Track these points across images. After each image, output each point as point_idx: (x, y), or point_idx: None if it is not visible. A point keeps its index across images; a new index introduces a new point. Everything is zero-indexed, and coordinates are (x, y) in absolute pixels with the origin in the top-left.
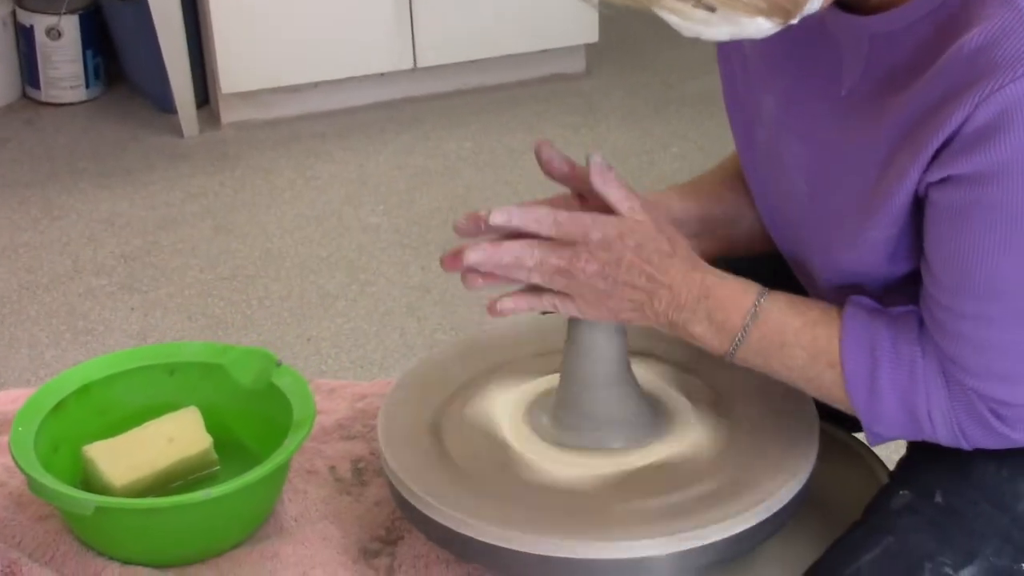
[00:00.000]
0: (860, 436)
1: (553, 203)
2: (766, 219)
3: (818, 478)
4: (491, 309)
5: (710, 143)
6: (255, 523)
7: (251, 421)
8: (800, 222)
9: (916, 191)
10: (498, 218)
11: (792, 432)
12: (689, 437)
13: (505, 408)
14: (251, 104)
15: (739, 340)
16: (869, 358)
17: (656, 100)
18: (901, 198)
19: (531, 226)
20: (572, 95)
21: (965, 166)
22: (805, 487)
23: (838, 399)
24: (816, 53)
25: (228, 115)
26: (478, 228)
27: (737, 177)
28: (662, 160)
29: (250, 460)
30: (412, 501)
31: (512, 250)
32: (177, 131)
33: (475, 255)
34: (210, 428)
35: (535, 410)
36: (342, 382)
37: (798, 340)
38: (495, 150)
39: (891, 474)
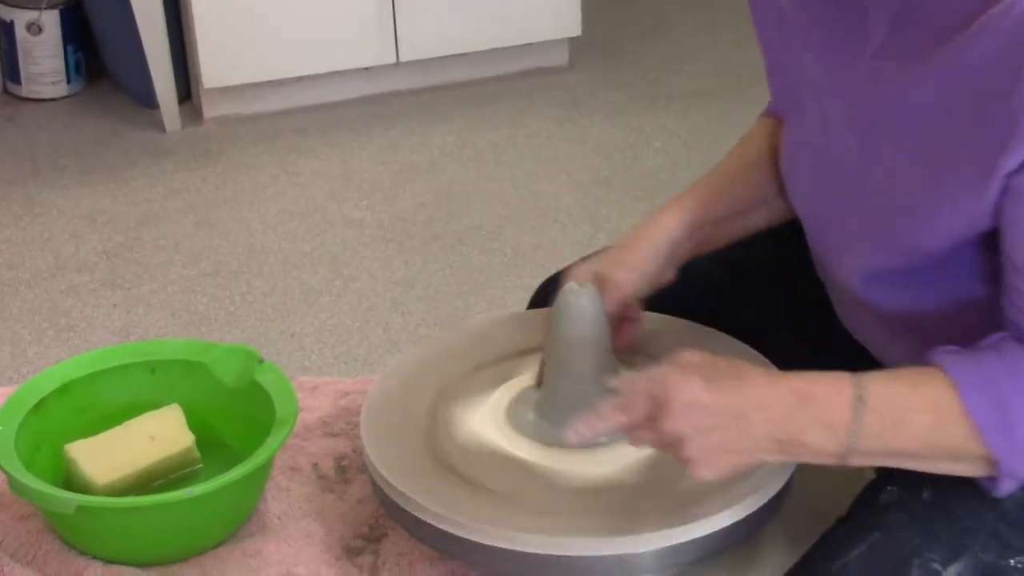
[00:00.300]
0: None
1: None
2: (801, 192)
3: (803, 473)
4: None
5: (695, 138)
6: (238, 521)
7: (233, 419)
8: (847, 187)
9: (990, 176)
10: (570, 441)
11: None
12: None
13: (489, 404)
14: (233, 99)
15: (855, 430)
16: (992, 393)
17: (640, 95)
18: (970, 181)
19: (600, 428)
20: (556, 89)
21: None
22: (789, 481)
23: (970, 453)
24: (845, 4)
25: (210, 110)
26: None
27: (745, 170)
28: (645, 155)
29: (233, 458)
30: (395, 498)
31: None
32: (159, 126)
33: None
34: (192, 426)
35: (520, 406)
36: (325, 379)
37: (913, 406)
38: (479, 145)
39: (878, 469)
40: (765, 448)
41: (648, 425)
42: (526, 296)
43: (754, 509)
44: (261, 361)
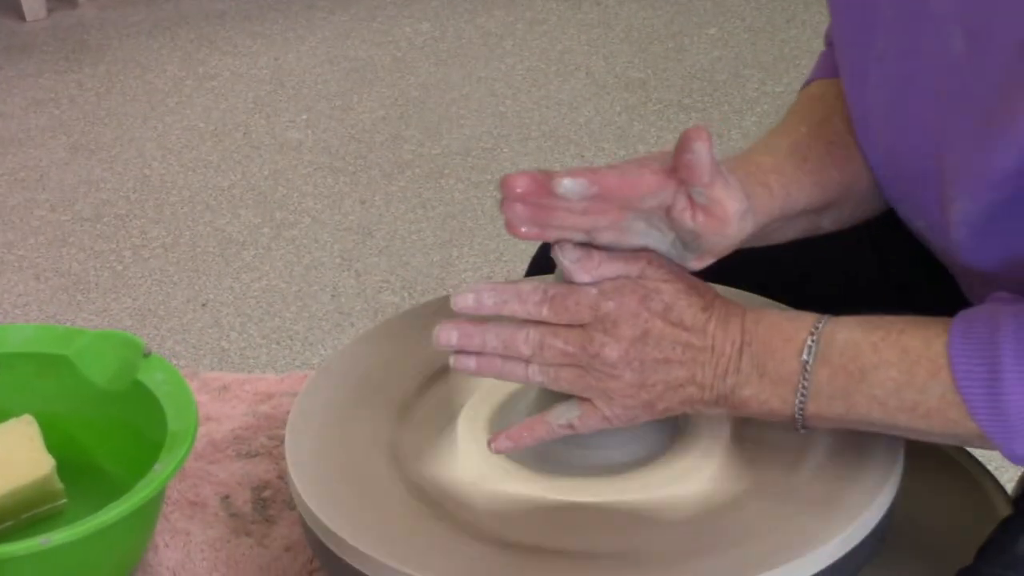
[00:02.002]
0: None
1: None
2: (874, 135)
3: (907, 507)
4: (491, 446)
5: (763, 20)
6: None
7: (109, 435)
8: (947, 102)
9: None
10: (463, 302)
11: (865, 439)
12: (717, 447)
13: (467, 413)
14: None
15: (804, 387)
16: (987, 344)
17: None
18: None
19: (512, 306)
20: None
21: None
22: (884, 520)
23: (956, 422)
24: None
25: None
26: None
27: (838, 147)
28: (695, 47)
29: (109, 489)
30: (334, 547)
31: (500, 331)
32: (16, 11)
33: (445, 334)
34: (52, 445)
35: (507, 415)
36: (238, 376)
37: (882, 357)
38: (463, 34)
39: (1016, 502)
40: (709, 402)
41: (574, 337)
42: (532, 246)
43: (833, 560)
44: (147, 353)
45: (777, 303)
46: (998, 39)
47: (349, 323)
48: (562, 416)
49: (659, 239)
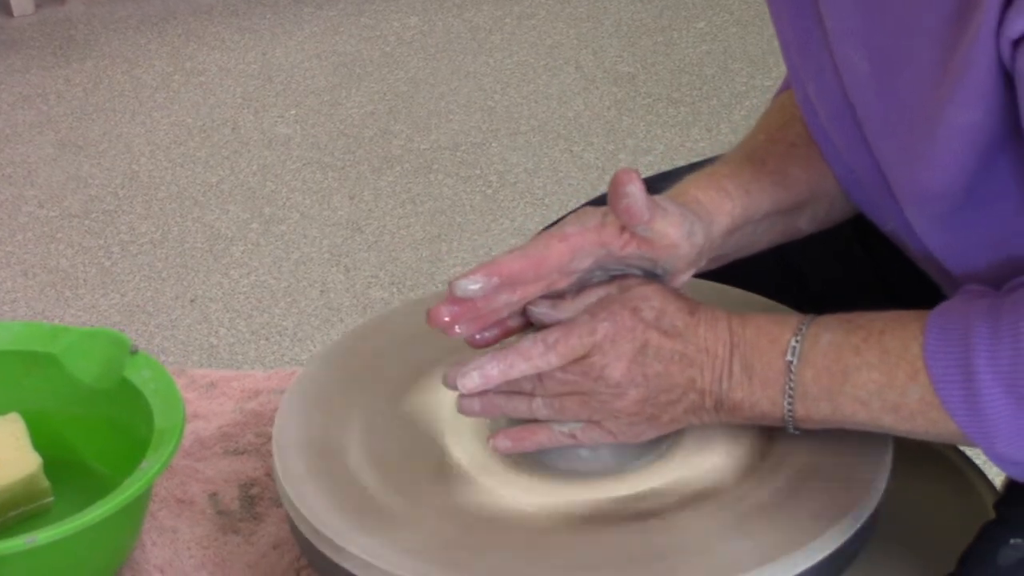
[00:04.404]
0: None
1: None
2: (832, 146)
3: (895, 506)
4: (489, 443)
5: (752, 14)
6: None
7: (96, 432)
8: (868, 124)
9: (1000, 55)
10: (470, 383)
11: (854, 437)
12: (707, 449)
13: (453, 411)
14: None
15: (790, 388)
16: (960, 345)
17: None
18: (982, 64)
19: (519, 366)
20: None
21: None
22: (871, 519)
23: (938, 422)
24: None
25: None
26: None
27: (801, 147)
28: (684, 41)
29: (96, 487)
30: (320, 546)
31: (506, 373)
32: (3, 6)
33: (458, 379)
34: (39, 443)
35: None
36: (226, 373)
37: (863, 359)
38: (452, 29)
39: (996, 506)
40: (709, 408)
41: (576, 369)
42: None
43: (820, 558)
44: (134, 351)
45: (758, 297)
46: (899, 61)
47: (338, 319)
48: (566, 424)
49: (624, 272)
